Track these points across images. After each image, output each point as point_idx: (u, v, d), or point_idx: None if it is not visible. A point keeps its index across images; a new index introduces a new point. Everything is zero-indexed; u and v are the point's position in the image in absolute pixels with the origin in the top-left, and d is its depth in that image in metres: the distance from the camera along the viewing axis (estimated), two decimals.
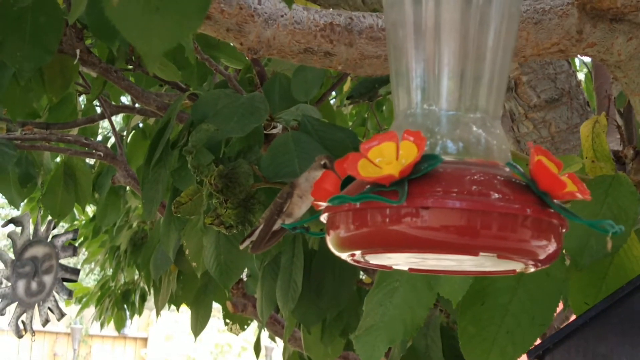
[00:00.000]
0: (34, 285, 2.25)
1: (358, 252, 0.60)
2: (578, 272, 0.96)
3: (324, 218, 0.62)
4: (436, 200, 0.55)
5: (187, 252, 1.46)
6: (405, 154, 0.56)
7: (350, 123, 2.96)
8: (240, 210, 1.14)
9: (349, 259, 0.62)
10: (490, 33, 0.62)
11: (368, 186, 0.57)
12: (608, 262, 0.98)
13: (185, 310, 2.79)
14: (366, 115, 3.02)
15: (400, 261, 0.64)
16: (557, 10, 1.02)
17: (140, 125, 2.55)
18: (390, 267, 0.66)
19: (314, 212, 0.66)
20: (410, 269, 0.65)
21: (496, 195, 0.56)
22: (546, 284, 0.95)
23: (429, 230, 0.55)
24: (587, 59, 2.53)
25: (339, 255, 0.62)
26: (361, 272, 1.89)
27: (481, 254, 0.56)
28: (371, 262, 0.64)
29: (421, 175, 0.56)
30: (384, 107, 2.93)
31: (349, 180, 0.62)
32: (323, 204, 0.63)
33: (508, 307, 0.95)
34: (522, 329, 0.94)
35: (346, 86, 2.54)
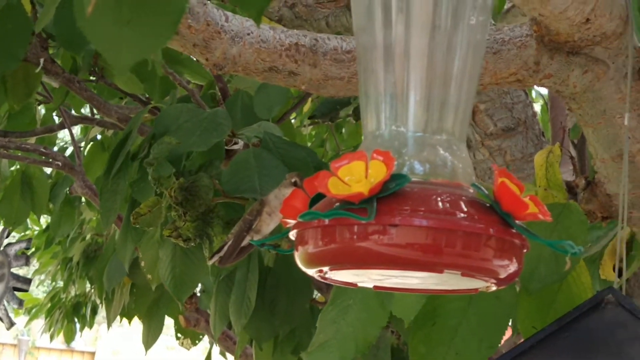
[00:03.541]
0: None
1: (326, 268, 0.61)
2: (527, 297, 0.98)
3: (293, 234, 0.63)
4: (404, 218, 0.56)
5: (142, 263, 1.45)
6: (374, 173, 0.57)
7: (309, 144, 2.97)
8: (198, 223, 1.15)
9: (316, 275, 0.63)
10: (457, 58, 0.64)
11: (338, 203, 0.58)
12: (557, 288, 1.00)
13: (133, 325, 2.76)
14: (325, 137, 3.04)
15: (366, 278, 0.65)
16: (516, 41, 1.04)
17: (99, 137, 2.54)
18: (355, 285, 0.66)
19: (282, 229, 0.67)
20: (375, 287, 0.67)
21: (461, 215, 0.58)
22: (496, 308, 0.97)
23: (396, 247, 0.56)
24: (544, 91, 2.58)
25: (307, 271, 0.62)
26: (315, 291, 1.89)
27: (445, 271, 0.57)
28: (338, 278, 0.64)
29: (389, 194, 0.57)
30: (343, 129, 2.95)
31: (317, 198, 0.62)
32: (291, 221, 0.63)
33: (457, 329, 0.97)
34: (471, 350, 0.96)
35: (306, 107, 2.56)
